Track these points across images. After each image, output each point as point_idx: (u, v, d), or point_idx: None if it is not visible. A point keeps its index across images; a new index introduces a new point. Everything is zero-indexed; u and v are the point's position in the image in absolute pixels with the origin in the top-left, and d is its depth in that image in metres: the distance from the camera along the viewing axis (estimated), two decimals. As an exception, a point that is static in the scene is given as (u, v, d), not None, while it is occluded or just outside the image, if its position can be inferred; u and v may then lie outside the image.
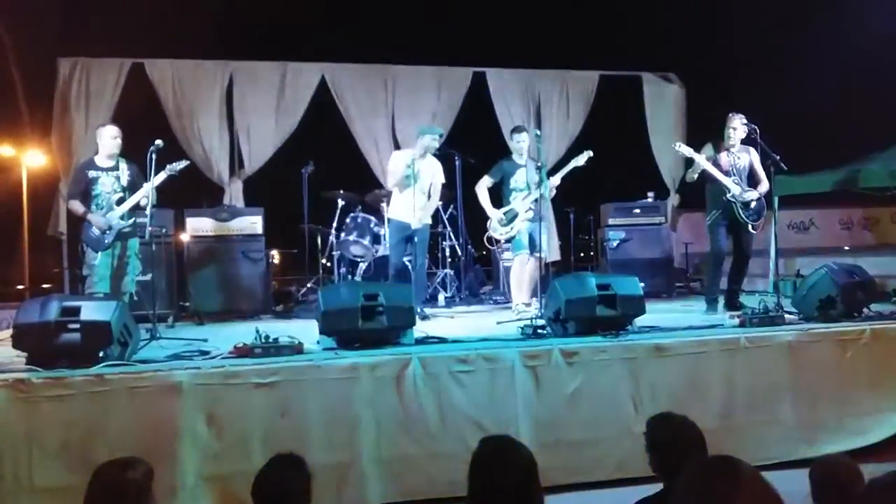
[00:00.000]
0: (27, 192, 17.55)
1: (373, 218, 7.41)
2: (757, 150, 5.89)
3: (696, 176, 5.95)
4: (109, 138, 5.50)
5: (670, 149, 8.90)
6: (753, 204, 5.84)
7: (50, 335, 3.93)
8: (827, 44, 9.05)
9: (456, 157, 7.52)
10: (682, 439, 2.50)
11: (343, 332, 4.33)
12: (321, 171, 7.53)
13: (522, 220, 6.13)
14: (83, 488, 3.68)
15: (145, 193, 5.27)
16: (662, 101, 9.49)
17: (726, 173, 5.84)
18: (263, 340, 4.16)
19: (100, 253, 5.28)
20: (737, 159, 5.93)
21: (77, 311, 3.98)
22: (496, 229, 6.22)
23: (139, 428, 3.78)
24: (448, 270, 7.83)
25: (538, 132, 6.11)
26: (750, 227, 5.86)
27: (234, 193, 8.23)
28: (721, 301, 5.96)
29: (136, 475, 2.17)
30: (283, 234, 8.07)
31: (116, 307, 4.10)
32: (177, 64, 8.20)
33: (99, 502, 2.15)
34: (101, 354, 3.97)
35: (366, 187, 7.95)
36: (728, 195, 5.80)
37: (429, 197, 6.27)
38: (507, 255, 7.45)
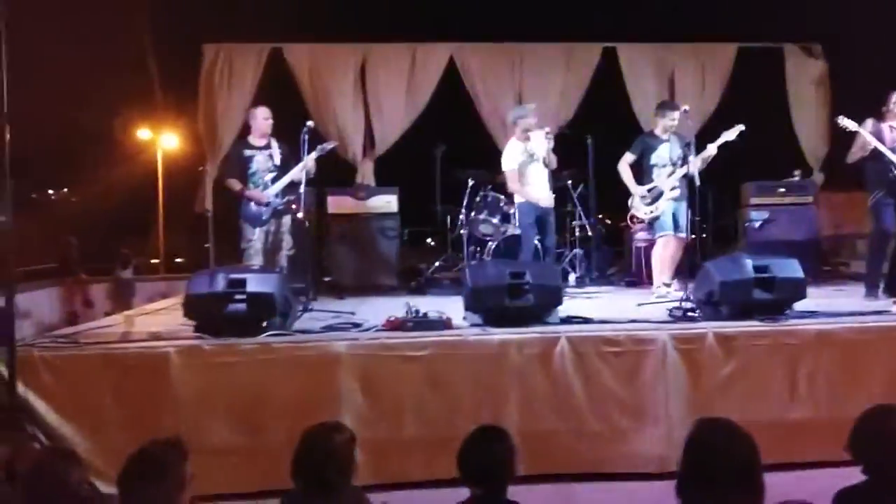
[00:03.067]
0: (162, 172, 18.78)
1: (503, 197, 7.39)
2: None
3: (860, 154, 5.55)
4: (262, 119, 5.79)
5: (814, 126, 8.44)
6: (922, 182, 5.42)
7: (218, 305, 4.18)
8: None
9: (588, 139, 7.39)
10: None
11: (490, 309, 4.38)
12: (451, 151, 7.60)
13: (667, 200, 5.95)
14: (247, 450, 3.96)
15: (299, 172, 5.46)
16: (805, 75, 8.86)
17: (891, 150, 5.45)
18: (414, 315, 4.27)
19: (257, 229, 5.57)
20: (900, 135, 5.52)
21: (243, 283, 4.22)
22: (639, 208, 6.06)
23: (301, 393, 3.98)
24: (578, 250, 7.74)
25: (686, 108, 5.89)
26: (918, 206, 5.45)
27: (366, 173, 8.44)
28: (881, 286, 5.59)
29: (343, 438, 2.33)
30: (413, 212, 8.22)
31: (278, 279, 4.33)
32: (313, 48, 8.43)
33: (311, 459, 2.31)
34: (264, 324, 4.19)
35: (496, 166, 7.95)
36: (893, 172, 5.41)
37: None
38: (640, 234, 7.28)
